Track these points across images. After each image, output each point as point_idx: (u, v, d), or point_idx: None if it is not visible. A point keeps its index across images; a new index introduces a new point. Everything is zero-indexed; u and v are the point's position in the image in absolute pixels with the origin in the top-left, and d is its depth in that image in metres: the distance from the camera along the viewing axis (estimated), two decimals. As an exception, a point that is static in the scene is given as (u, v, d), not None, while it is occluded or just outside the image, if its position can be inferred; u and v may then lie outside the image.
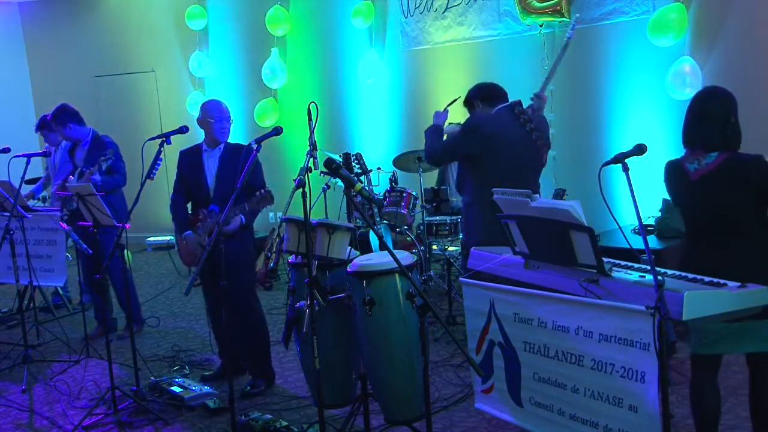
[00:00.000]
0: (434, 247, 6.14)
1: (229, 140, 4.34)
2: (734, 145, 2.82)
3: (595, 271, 2.66)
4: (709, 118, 2.83)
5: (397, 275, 3.25)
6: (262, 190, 3.88)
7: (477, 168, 3.94)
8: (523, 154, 3.90)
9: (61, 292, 6.51)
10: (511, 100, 4.05)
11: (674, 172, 2.95)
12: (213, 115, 4.26)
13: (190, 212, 4.37)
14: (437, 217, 5.82)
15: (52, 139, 6.26)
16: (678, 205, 3.03)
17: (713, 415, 2.89)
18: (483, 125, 3.91)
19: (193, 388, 4.23)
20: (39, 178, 6.99)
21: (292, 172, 8.02)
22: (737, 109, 2.85)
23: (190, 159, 4.36)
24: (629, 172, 2.47)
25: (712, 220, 2.84)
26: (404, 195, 5.75)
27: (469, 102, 4.13)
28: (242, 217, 4.13)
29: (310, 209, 2.91)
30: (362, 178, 5.89)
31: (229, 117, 4.32)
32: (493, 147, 3.84)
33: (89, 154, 5.46)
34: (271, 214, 8.67)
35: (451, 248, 6.01)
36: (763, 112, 5.08)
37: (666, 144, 5.94)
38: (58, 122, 5.53)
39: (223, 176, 4.23)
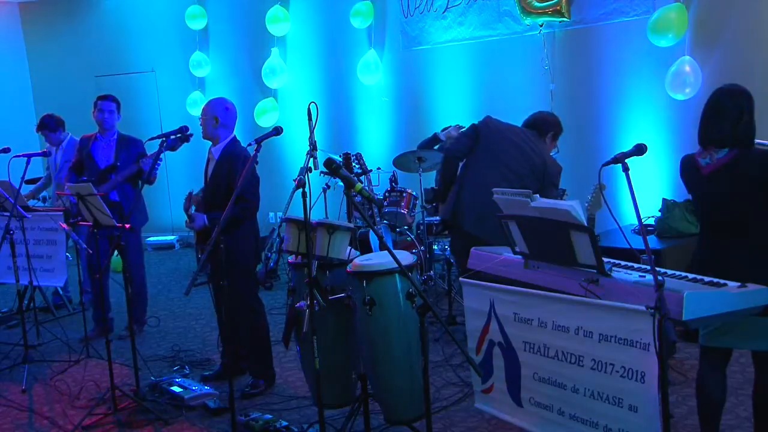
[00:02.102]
0: (434, 247, 6.13)
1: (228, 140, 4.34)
2: (746, 143, 2.82)
3: (595, 271, 2.67)
4: (721, 115, 2.83)
5: (397, 275, 3.25)
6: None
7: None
8: (500, 156, 4.18)
9: (61, 292, 6.51)
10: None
11: (688, 166, 2.97)
12: None
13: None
14: (437, 217, 5.81)
15: (53, 139, 6.25)
16: (692, 199, 3.05)
17: (715, 405, 2.90)
18: (482, 123, 4.32)
19: (193, 388, 4.22)
20: (39, 178, 6.99)
21: (292, 172, 8.02)
22: (752, 108, 2.84)
23: (207, 156, 4.43)
24: (629, 172, 2.47)
25: (722, 215, 2.85)
26: (404, 195, 5.75)
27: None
28: (204, 217, 4.12)
29: (310, 209, 2.91)
30: (362, 178, 5.88)
31: (205, 115, 4.29)
32: (480, 140, 4.28)
33: (119, 150, 5.45)
34: (271, 214, 8.67)
35: (451, 248, 6.01)
36: (763, 111, 5.07)
37: (666, 144, 5.95)
38: (115, 106, 5.51)
39: (211, 180, 4.26)
